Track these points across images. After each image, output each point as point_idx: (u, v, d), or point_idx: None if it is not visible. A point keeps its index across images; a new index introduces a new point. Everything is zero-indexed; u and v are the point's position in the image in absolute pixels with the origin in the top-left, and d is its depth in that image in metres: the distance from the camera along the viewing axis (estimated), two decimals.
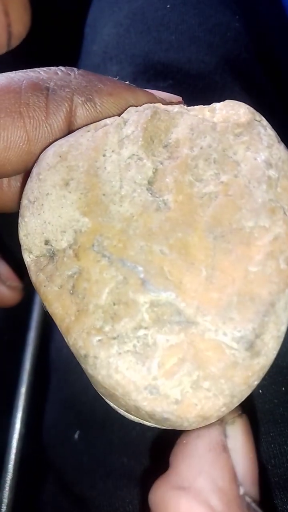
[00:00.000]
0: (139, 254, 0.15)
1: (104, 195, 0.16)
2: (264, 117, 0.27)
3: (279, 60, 0.32)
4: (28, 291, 0.29)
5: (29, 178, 0.17)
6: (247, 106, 0.17)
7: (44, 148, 0.18)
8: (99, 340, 0.15)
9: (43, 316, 0.30)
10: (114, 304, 0.15)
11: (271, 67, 0.31)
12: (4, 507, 0.26)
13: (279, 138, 0.17)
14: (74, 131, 0.17)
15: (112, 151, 0.17)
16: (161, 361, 0.15)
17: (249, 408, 0.15)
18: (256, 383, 0.15)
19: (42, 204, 0.17)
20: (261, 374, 0.15)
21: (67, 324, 0.16)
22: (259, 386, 0.22)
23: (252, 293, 0.15)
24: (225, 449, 0.15)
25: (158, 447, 0.23)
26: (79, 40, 0.34)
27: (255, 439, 0.17)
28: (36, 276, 0.17)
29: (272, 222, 0.15)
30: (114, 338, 0.15)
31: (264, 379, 0.22)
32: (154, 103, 0.18)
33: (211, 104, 0.17)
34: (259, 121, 0.17)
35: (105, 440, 0.24)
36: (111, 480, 0.23)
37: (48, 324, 0.30)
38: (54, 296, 0.16)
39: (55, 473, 0.26)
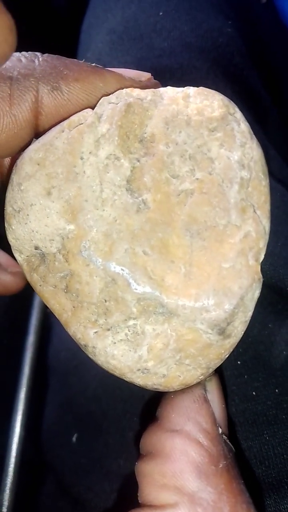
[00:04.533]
0: (124, 257, 0.17)
1: (86, 201, 0.17)
2: (259, 121, 0.27)
3: (272, 64, 0.32)
4: (26, 295, 0.29)
5: (10, 185, 0.18)
6: (221, 96, 0.17)
7: (19, 150, 0.18)
8: (95, 332, 0.17)
9: (42, 320, 0.30)
10: (105, 301, 0.17)
11: (264, 71, 0.31)
12: (4, 509, 0.26)
13: (252, 133, 0.17)
14: (43, 121, 0.17)
15: (89, 152, 0.17)
16: (150, 347, 0.17)
17: (218, 369, 0.19)
18: (227, 355, 0.18)
19: (28, 215, 0.17)
20: (231, 349, 0.18)
21: (65, 318, 0.18)
22: (252, 388, 0.22)
23: (225, 288, 0.16)
24: (206, 400, 0.19)
25: None
26: (75, 47, 0.35)
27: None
28: (31, 276, 0.18)
29: (243, 220, 0.17)
30: (108, 330, 0.17)
31: (256, 380, 0.22)
32: (124, 84, 0.18)
33: (185, 89, 0.17)
34: (232, 114, 0.17)
35: (102, 442, 0.25)
36: (108, 482, 0.24)
37: (46, 328, 0.30)
38: (50, 295, 0.18)
39: (54, 475, 0.27)
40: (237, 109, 0.17)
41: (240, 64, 0.28)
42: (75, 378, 0.27)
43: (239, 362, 0.22)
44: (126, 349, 0.17)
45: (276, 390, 0.22)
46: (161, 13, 0.29)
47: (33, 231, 0.17)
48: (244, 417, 0.22)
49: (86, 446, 0.25)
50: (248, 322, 0.17)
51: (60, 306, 0.18)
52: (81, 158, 0.17)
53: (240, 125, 0.17)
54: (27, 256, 0.18)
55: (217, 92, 0.17)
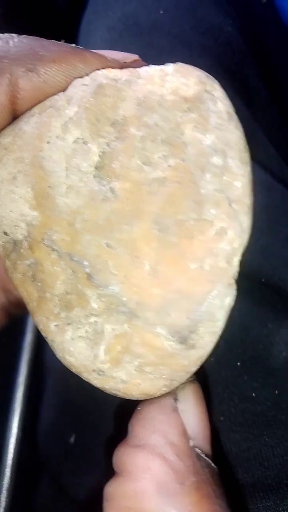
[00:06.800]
0: (85, 248, 0.16)
1: (50, 187, 0.16)
2: (260, 119, 0.26)
3: (273, 63, 0.32)
4: None
5: None
6: (199, 72, 0.15)
7: None
8: (56, 326, 0.16)
9: None
10: (67, 294, 0.16)
11: (265, 69, 0.31)
12: (1, 510, 0.26)
13: (232, 114, 0.15)
14: (21, 105, 0.17)
15: (56, 136, 0.16)
16: (107, 349, 0.16)
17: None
18: (194, 369, 0.16)
19: None
20: (199, 362, 0.16)
21: (31, 307, 0.17)
22: (251, 388, 0.22)
23: (189, 291, 0.15)
24: (175, 409, 0.17)
25: None
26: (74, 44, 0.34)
27: (208, 401, 0.19)
28: (5, 262, 0.18)
29: (215, 215, 0.15)
30: (69, 324, 0.16)
31: (255, 381, 0.22)
32: (106, 66, 0.16)
33: (164, 66, 0.16)
34: (210, 91, 0.15)
35: (99, 442, 0.24)
36: (105, 483, 0.24)
37: None
38: (19, 282, 0.17)
39: (51, 475, 0.26)
40: (216, 86, 0.15)
41: (241, 63, 0.28)
42: (72, 378, 0.26)
43: (238, 363, 0.22)
44: (83, 347, 0.16)
45: (276, 391, 0.22)
46: (161, 11, 0.28)
47: (0, 216, 0.17)
48: (243, 418, 0.22)
49: (83, 447, 0.25)
50: (219, 333, 0.15)
51: (27, 294, 0.17)
52: (48, 143, 0.16)
53: (217, 104, 0.15)
54: (3, 242, 0.17)
55: (196, 68, 0.16)
